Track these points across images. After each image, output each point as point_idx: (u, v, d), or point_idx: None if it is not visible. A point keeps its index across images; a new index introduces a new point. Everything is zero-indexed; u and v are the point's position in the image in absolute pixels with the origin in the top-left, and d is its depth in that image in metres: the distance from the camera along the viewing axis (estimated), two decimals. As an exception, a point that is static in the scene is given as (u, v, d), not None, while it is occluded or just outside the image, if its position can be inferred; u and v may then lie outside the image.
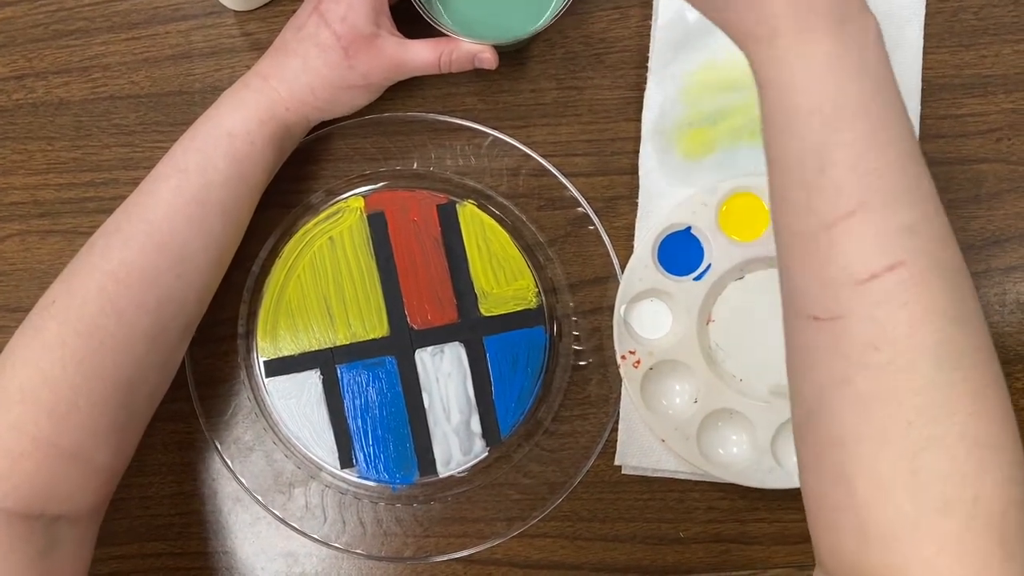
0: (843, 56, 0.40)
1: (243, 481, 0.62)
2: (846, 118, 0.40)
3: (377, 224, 0.62)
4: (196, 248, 0.55)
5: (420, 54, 0.59)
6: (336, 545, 0.61)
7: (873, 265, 0.40)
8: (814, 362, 0.42)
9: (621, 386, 0.61)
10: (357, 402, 0.61)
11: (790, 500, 0.61)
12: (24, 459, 0.50)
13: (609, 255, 0.63)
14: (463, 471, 0.62)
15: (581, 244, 0.63)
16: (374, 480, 0.62)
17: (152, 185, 0.56)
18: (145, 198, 0.56)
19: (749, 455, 0.60)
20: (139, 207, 0.56)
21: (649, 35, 0.63)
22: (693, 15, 0.63)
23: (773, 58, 0.41)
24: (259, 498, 0.62)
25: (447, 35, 0.59)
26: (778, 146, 0.42)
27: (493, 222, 0.62)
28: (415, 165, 0.64)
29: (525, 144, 0.63)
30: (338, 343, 0.62)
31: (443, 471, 0.61)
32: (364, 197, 0.63)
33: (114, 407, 0.53)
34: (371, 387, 0.61)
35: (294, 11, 0.64)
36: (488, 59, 0.59)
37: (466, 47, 0.59)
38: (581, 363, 0.62)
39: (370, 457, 0.61)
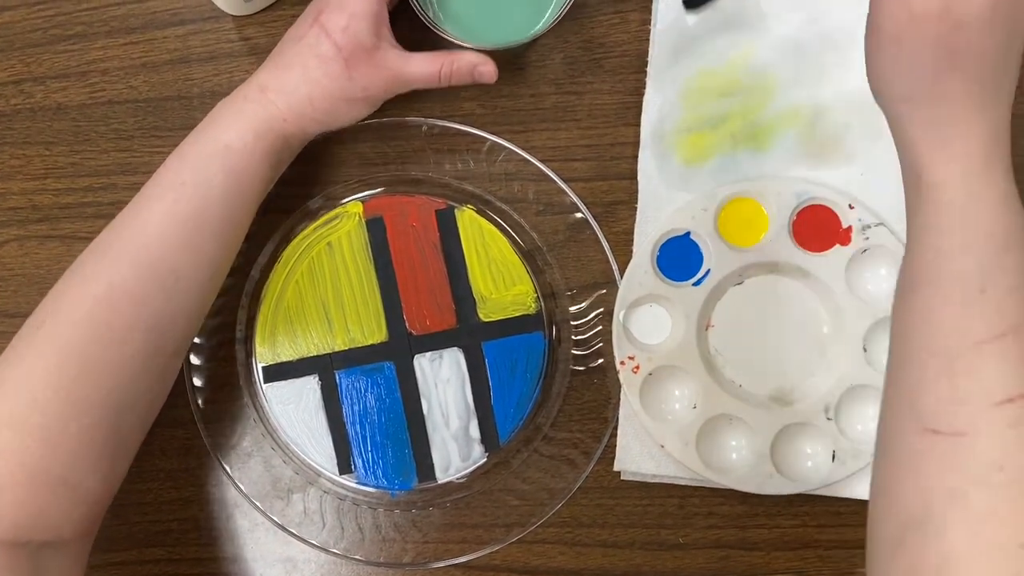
0: (1011, 190, 0.43)
1: (242, 487, 0.62)
2: (1012, 245, 0.42)
3: (376, 229, 0.62)
4: (189, 269, 0.54)
5: (420, 67, 0.58)
6: (334, 551, 0.61)
7: (1012, 389, 0.41)
8: (925, 472, 0.42)
9: (620, 391, 0.61)
10: (356, 408, 0.61)
11: (790, 506, 0.61)
12: (13, 486, 0.49)
13: (608, 260, 0.62)
14: (462, 477, 0.62)
15: (580, 249, 0.63)
16: (373, 486, 0.61)
17: (145, 203, 0.55)
18: (136, 217, 0.55)
19: (749, 461, 0.60)
20: (130, 227, 0.54)
21: (648, 40, 0.63)
22: (692, 20, 0.62)
23: (955, 180, 0.43)
24: (257, 504, 0.62)
25: (449, 45, 0.59)
26: (940, 265, 0.43)
27: (492, 227, 0.62)
28: (414, 170, 0.64)
29: (524, 149, 0.63)
30: (337, 349, 0.61)
31: (442, 477, 0.61)
32: (363, 202, 0.63)
33: (105, 432, 0.52)
34: (370, 393, 0.61)
35: (293, 16, 0.64)
36: (487, 72, 0.59)
37: (466, 59, 0.58)
38: (580, 368, 0.62)
39: (369, 463, 0.61)
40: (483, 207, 0.63)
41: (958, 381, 0.42)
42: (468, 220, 0.62)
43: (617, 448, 0.61)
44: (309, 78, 0.57)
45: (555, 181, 0.63)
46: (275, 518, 0.61)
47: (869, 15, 0.45)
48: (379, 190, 0.63)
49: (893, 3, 0.43)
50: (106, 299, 0.52)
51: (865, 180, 0.61)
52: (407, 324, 0.62)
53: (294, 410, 0.61)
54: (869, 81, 0.46)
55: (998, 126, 0.43)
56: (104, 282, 0.52)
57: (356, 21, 0.56)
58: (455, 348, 0.62)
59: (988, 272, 0.42)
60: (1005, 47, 0.42)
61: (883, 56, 0.44)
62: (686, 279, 0.61)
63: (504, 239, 0.62)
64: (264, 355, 0.62)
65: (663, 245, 0.62)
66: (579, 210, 0.63)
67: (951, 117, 0.43)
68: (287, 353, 0.61)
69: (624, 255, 0.62)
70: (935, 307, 0.43)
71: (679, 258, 0.62)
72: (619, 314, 0.61)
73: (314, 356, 0.61)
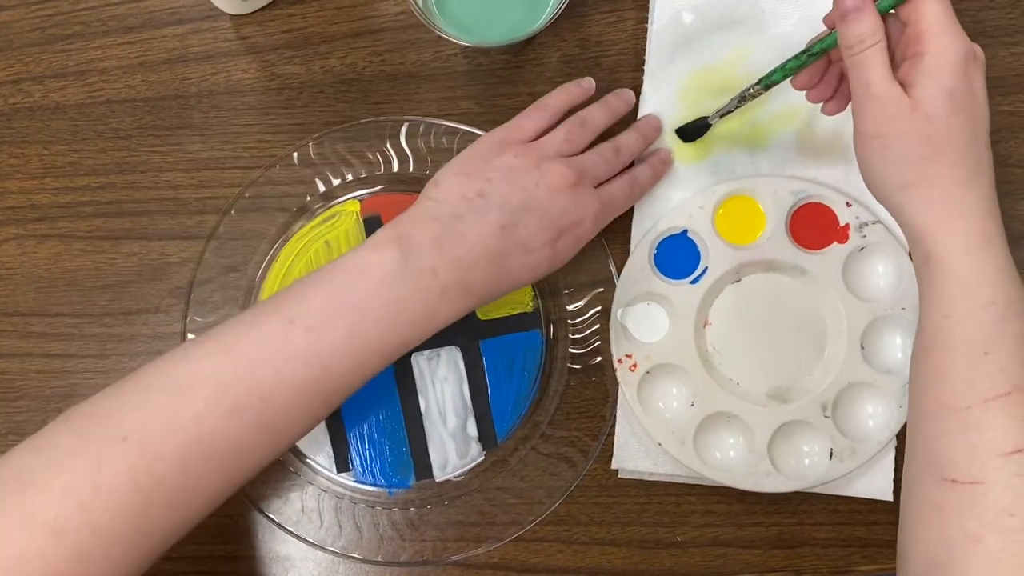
0: (1009, 263, 0.48)
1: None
2: (1013, 314, 0.47)
3: (373, 228, 0.62)
4: (298, 431, 0.51)
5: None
6: (332, 549, 0.61)
7: (1019, 441, 0.45)
8: (945, 519, 0.46)
9: (618, 390, 0.61)
10: (353, 406, 0.61)
11: (787, 504, 0.61)
12: None
13: (606, 259, 0.62)
14: (459, 475, 0.62)
15: (578, 248, 0.63)
16: (370, 484, 0.61)
17: (287, 362, 0.49)
18: (271, 373, 0.49)
19: (746, 459, 0.60)
20: (259, 383, 0.49)
21: (645, 38, 0.63)
22: (689, 18, 0.63)
23: (954, 254, 0.48)
24: (255, 502, 0.62)
25: (447, 44, 0.59)
26: (947, 330, 0.48)
27: (489, 225, 0.62)
28: (411, 169, 0.64)
29: (521, 147, 0.63)
30: (334, 347, 0.61)
31: (439, 475, 0.61)
32: (360, 201, 0.63)
33: (145, 559, 0.49)
34: (367, 391, 0.61)
35: (290, 15, 0.65)
36: (665, 157, 0.62)
37: (641, 172, 0.61)
38: (577, 367, 0.62)
39: (366, 461, 0.61)
40: (480, 205, 0.63)
41: (970, 434, 0.46)
42: (465, 218, 0.62)
43: (614, 446, 0.61)
44: (503, 286, 0.54)
45: (552, 179, 0.63)
46: (273, 516, 0.61)
47: (853, 123, 0.50)
48: (377, 188, 0.63)
49: (870, 107, 0.49)
50: (205, 444, 0.48)
51: (862, 178, 0.61)
52: (404, 322, 0.62)
53: (292, 408, 0.61)
54: (866, 183, 0.51)
55: (988, 199, 0.49)
56: (209, 427, 0.48)
57: (583, 243, 0.56)
58: (452, 346, 0.62)
59: (990, 337, 0.47)
60: (971, 130, 0.48)
61: (872, 154, 0.50)
62: (683, 277, 0.61)
63: (501, 237, 0.62)
64: (262, 353, 0.62)
65: (660, 243, 0.62)
66: (576, 208, 0.63)
67: (944, 196, 0.48)
68: (285, 351, 0.61)
69: (621, 253, 0.62)
70: (945, 367, 0.48)
71: (676, 256, 0.62)
72: (617, 312, 0.61)
73: (312, 354, 0.61)
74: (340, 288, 0.50)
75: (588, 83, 0.60)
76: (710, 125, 0.61)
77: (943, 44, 0.48)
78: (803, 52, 0.54)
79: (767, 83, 0.56)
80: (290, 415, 0.50)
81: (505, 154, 0.55)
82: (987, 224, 0.48)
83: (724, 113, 0.59)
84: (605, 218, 0.58)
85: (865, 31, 0.49)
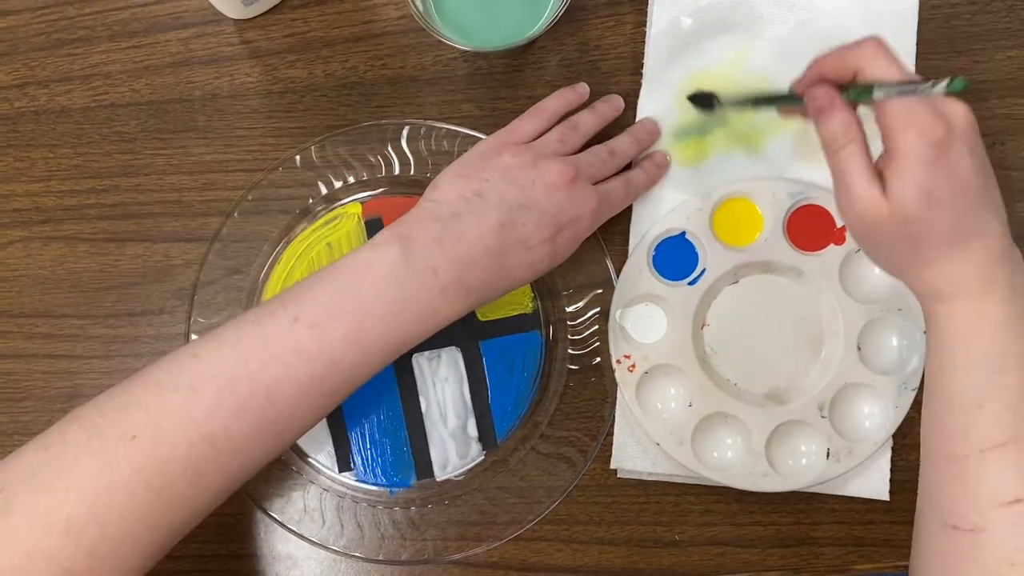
0: (1009, 315, 0.48)
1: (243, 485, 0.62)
2: (1009, 366, 0.47)
3: (375, 230, 0.63)
4: (302, 427, 0.52)
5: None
6: (334, 548, 0.62)
7: (1018, 491, 0.46)
8: (951, 567, 0.48)
9: (616, 390, 0.62)
10: (355, 406, 0.62)
11: (785, 503, 0.61)
12: None
13: (604, 260, 0.63)
14: (460, 475, 0.62)
15: (576, 249, 0.63)
16: (372, 484, 0.62)
17: (292, 359, 0.50)
18: (278, 370, 0.49)
19: (744, 458, 0.60)
20: (266, 380, 0.49)
21: (644, 42, 0.64)
22: (687, 22, 0.63)
23: (952, 313, 0.48)
24: (258, 502, 0.62)
25: (446, 47, 0.59)
26: (943, 380, 0.49)
27: (489, 228, 0.63)
28: (412, 171, 0.64)
29: (521, 150, 0.64)
30: (336, 348, 0.62)
31: (440, 475, 0.62)
32: (362, 203, 0.63)
33: (152, 556, 0.50)
34: (368, 391, 0.62)
35: (292, 19, 0.65)
36: (661, 160, 0.62)
37: (637, 175, 0.61)
38: (576, 367, 0.63)
39: (368, 461, 0.62)
40: (481, 208, 0.63)
41: (969, 483, 0.47)
42: (466, 221, 0.63)
43: (613, 446, 0.62)
44: (503, 279, 0.54)
45: (552, 182, 0.63)
46: (276, 516, 0.62)
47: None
48: (378, 191, 0.64)
49: (849, 211, 0.49)
50: (214, 442, 0.48)
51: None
52: (405, 323, 0.62)
53: (294, 409, 0.62)
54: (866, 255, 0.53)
55: (990, 254, 0.48)
56: (219, 425, 0.48)
57: (582, 239, 0.57)
58: (453, 347, 0.62)
59: (985, 390, 0.47)
60: (960, 209, 0.47)
61: (864, 245, 0.52)
62: (681, 278, 0.62)
63: (501, 239, 0.62)
64: (264, 354, 0.62)
65: (659, 245, 0.62)
66: (576, 210, 0.63)
67: (938, 271, 0.48)
68: (287, 352, 0.62)
69: (620, 255, 0.63)
70: (944, 417, 0.49)
71: (674, 258, 0.62)
72: (615, 313, 0.62)
73: (314, 355, 0.62)
74: (344, 286, 0.51)
75: (583, 88, 0.61)
76: (717, 102, 0.59)
77: (910, 141, 0.46)
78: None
79: (770, 102, 0.56)
80: (295, 412, 0.51)
81: (502, 155, 0.56)
82: (985, 280, 0.48)
83: (735, 103, 0.59)
84: (602, 215, 0.58)
85: (837, 130, 0.49)
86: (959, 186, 0.47)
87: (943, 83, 0.46)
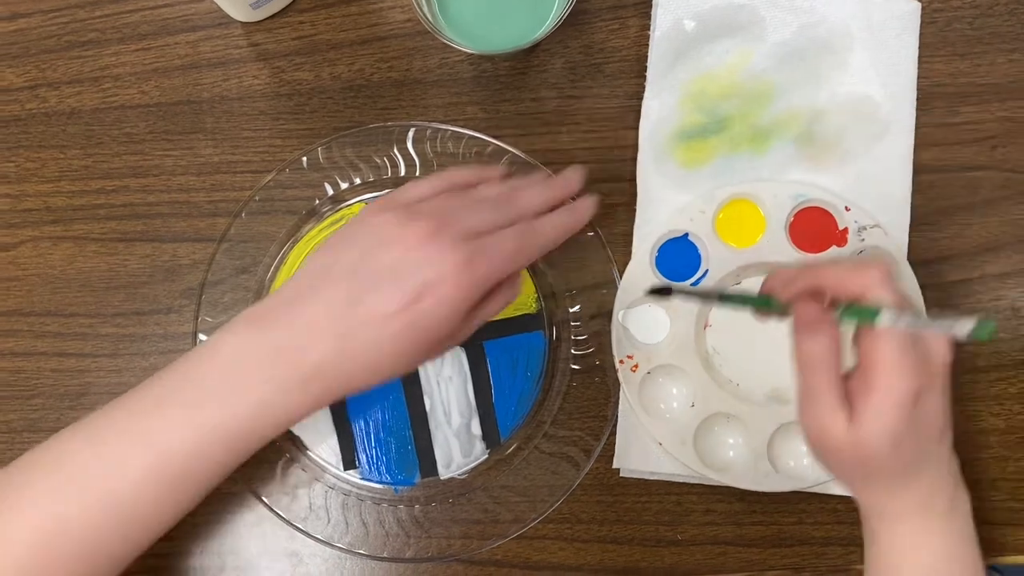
0: (947, 536, 0.51)
1: (249, 483, 0.63)
2: (955, 571, 0.51)
3: (380, 230, 0.63)
4: (160, 521, 0.49)
5: (494, 306, 0.50)
6: (339, 545, 0.62)
7: None
8: None
9: (619, 390, 0.62)
10: (359, 405, 0.62)
11: (787, 503, 0.62)
12: None
13: (608, 261, 0.63)
14: (464, 473, 0.63)
15: (580, 250, 0.64)
16: (376, 482, 0.63)
17: (120, 449, 0.47)
18: (109, 464, 0.47)
19: (746, 458, 0.60)
20: (100, 474, 0.47)
21: (647, 45, 0.64)
22: (691, 25, 0.63)
23: (895, 533, 0.51)
24: (264, 499, 0.63)
25: (452, 50, 0.60)
26: None
27: (494, 228, 0.63)
28: (417, 173, 0.65)
29: (526, 152, 0.64)
30: (341, 347, 0.62)
31: (444, 473, 0.62)
32: (367, 204, 0.64)
33: None
34: (373, 391, 0.62)
35: (300, 22, 0.66)
36: (585, 207, 0.53)
37: (542, 231, 0.50)
38: (580, 367, 0.63)
39: (372, 459, 0.63)
40: (485, 209, 0.64)
41: None
42: (470, 221, 0.63)
43: (616, 446, 0.62)
44: (372, 363, 0.47)
45: (556, 183, 0.64)
46: (281, 513, 0.62)
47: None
48: (384, 192, 0.64)
49: (812, 430, 0.50)
50: (58, 528, 0.47)
51: (861, 182, 0.62)
52: (410, 323, 0.63)
53: (300, 407, 0.62)
54: None
55: (939, 479, 0.51)
56: (59, 513, 0.47)
57: (459, 306, 0.47)
58: (457, 347, 0.63)
59: None
60: (915, 453, 0.49)
61: (816, 455, 0.52)
62: (684, 279, 0.62)
63: (506, 240, 0.63)
64: (271, 353, 0.63)
65: (662, 246, 0.63)
66: (579, 212, 0.64)
67: (887, 499, 0.51)
68: (293, 351, 0.63)
69: (624, 256, 0.63)
70: None
71: (677, 259, 0.63)
72: (618, 314, 0.62)
73: (319, 354, 0.62)
74: (186, 365, 0.48)
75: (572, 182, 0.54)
76: (671, 292, 0.54)
77: (891, 384, 0.46)
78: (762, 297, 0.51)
79: (728, 302, 0.53)
80: (136, 506, 0.48)
81: (375, 217, 0.49)
82: (930, 501, 0.50)
83: (687, 294, 0.54)
84: (478, 272, 0.47)
85: (819, 352, 0.48)
86: (925, 429, 0.48)
87: (967, 325, 0.45)
